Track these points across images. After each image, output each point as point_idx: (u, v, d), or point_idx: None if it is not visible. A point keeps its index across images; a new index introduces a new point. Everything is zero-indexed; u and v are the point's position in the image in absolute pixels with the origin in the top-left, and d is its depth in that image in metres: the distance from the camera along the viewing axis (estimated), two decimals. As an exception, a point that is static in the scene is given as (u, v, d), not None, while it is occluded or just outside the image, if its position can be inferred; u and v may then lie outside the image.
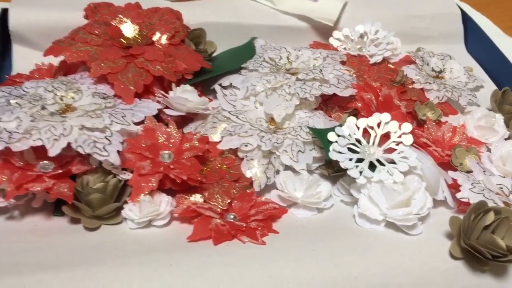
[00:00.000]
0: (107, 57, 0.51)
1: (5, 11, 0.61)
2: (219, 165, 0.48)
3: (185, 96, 0.50)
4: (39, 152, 0.44)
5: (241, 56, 0.59)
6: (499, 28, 0.73)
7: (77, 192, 0.43)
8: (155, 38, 0.56)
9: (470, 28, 0.72)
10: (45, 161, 0.44)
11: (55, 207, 0.44)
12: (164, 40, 0.56)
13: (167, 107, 0.51)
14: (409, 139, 0.48)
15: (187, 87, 0.52)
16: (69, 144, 0.43)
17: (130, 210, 0.43)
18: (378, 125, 0.49)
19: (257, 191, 0.47)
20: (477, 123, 0.56)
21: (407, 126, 0.49)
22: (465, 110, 0.60)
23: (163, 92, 0.52)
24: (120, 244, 0.41)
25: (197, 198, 0.46)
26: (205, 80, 0.56)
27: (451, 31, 0.72)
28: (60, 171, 0.43)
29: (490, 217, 0.41)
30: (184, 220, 0.44)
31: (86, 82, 0.51)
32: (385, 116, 0.49)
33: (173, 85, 0.52)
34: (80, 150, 0.43)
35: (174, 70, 0.53)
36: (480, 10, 0.76)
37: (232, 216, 0.45)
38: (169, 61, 0.53)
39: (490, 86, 0.65)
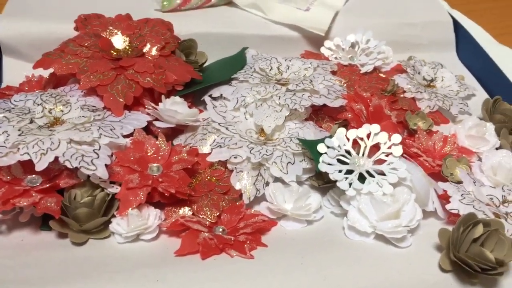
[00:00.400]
0: (97, 69, 0.51)
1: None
2: (208, 177, 0.48)
3: (174, 108, 0.50)
4: (27, 166, 0.43)
5: (232, 67, 0.59)
6: (491, 36, 0.73)
7: (64, 206, 0.43)
8: (145, 49, 0.55)
9: (461, 36, 0.72)
10: (32, 175, 0.44)
11: (43, 221, 0.44)
12: (154, 51, 0.55)
13: (156, 119, 0.51)
14: (398, 150, 0.48)
15: (177, 98, 0.52)
16: (56, 158, 0.43)
17: (118, 224, 0.43)
18: (368, 136, 0.49)
19: (246, 203, 0.47)
20: (468, 133, 0.56)
21: (397, 137, 0.48)
22: (456, 119, 0.60)
23: (153, 104, 0.51)
24: (108, 259, 0.41)
25: (186, 211, 0.45)
26: (196, 91, 0.56)
27: (442, 39, 0.72)
28: (47, 185, 0.43)
29: (479, 229, 0.41)
30: (172, 233, 0.44)
31: (75, 94, 0.51)
32: (375, 127, 0.49)
33: (163, 97, 0.52)
34: (67, 164, 0.43)
35: (164, 81, 0.53)
36: (472, 17, 0.76)
37: (220, 229, 0.44)
38: (159, 73, 0.53)
39: (481, 95, 0.65)
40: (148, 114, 0.51)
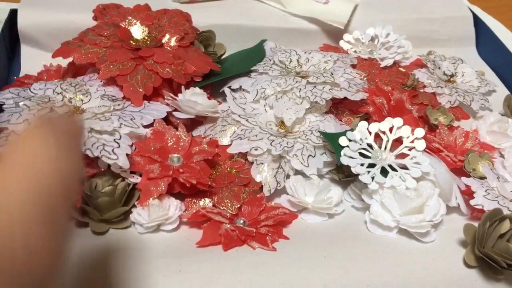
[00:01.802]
0: (116, 59, 0.50)
1: (14, 11, 0.60)
2: (228, 169, 0.48)
3: (194, 99, 0.50)
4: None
5: (251, 59, 0.59)
6: (510, 32, 0.72)
7: (85, 195, 0.42)
8: (164, 40, 0.55)
9: (481, 32, 0.71)
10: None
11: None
12: (173, 42, 0.55)
13: (176, 110, 0.51)
14: (421, 145, 0.47)
15: (197, 89, 0.51)
16: (77, 147, 0.43)
17: (138, 214, 0.43)
18: (390, 130, 0.48)
19: (267, 195, 0.46)
20: (490, 128, 0.55)
21: (420, 131, 0.48)
22: (477, 114, 0.59)
23: (172, 95, 0.51)
24: (129, 249, 0.40)
25: (206, 202, 0.45)
26: (214, 82, 0.55)
27: (462, 34, 0.71)
28: (68, 174, 0.43)
29: (506, 225, 0.40)
30: (193, 224, 0.44)
31: (94, 84, 0.51)
32: (398, 121, 0.49)
33: (183, 87, 0.51)
34: (88, 153, 0.43)
35: (183, 72, 0.52)
36: (490, 13, 0.75)
37: (241, 221, 0.44)
38: (178, 64, 0.52)
39: (502, 91, 0.64)
40: (168, 105, 0.51)
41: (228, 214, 0.44)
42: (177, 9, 0.59)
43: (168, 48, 0.54)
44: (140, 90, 0.50)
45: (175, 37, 0.55)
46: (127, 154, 0.44)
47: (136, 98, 0.50)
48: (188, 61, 0.53)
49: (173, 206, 0.43)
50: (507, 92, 0.63)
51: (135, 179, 0.44)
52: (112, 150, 0.43)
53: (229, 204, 0.45)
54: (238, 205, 0.45)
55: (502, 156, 0.53)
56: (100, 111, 0.47)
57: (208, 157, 0.46)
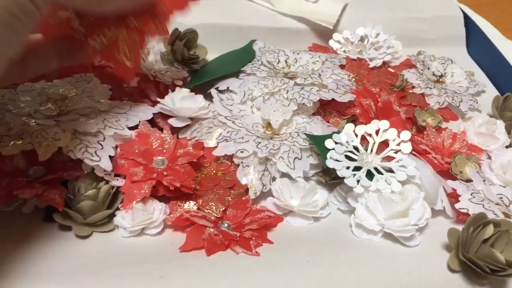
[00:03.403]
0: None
1: None
2: (214, 171, 0.48)
3: (187, 106, 0.50)
4: (30, 156, 0.43)
5: (241, 59, 0.58)
6: (498, 31, 0.72)
7: (68, 198, 0.42)
8: None
9: (472, 31, 0.71)
10: (35, 166, 0.43)
11: (46, 214, 0.43)
12: None
13: (161, 113, 0.50)
14: (407, 148, 0.47)
15: (185, 92, 0.51)
16: (60, 149, 0.42)
17: (122, 218, 0.42)
18: (377, 132, 0.48)
19: (252, 198, 0.46)
20: (478, 130, 0.55)
21: (406, 134, 0.48)
22: (466, 115, 0.59)
23: (163, 101, 0.50)
24: (112, 254, 0.40)
25: (191, 205, 0.45)
26: (203, 83, 0.55)
27: (452, 34, 0.71)
28: (50, 177, 0.42)
29: (490, 230, 0.40)
30: (177, 228, 0.43)
31: (81, 85, 0.50)
32: (384, 124, 0.48)
33: (170, 90, 0.51)
34: (71, 155, 0.42)
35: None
36: (479, 12, 0.75)
37: (226, 225, 0.44)
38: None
39: (491, 91, 0.64)
40: (153, 105, 0.51)
41: (212, 218, 0.44)
42: None
43: None
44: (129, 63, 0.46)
45: None
46: (111, 156, 0.43)
47: (128, 74, 0.47)
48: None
49: (157, 210, 0.43)
50: (496, 93, 0.63)
51: (119, 182, 0.44)
52: (95, 152, 0.43)
53: (214, 207, 0.45)
54: (223, 208, 0.45)
55: (489, 157, 0.53)
56: (85, 112, 0.46)
57: (193, 160, 0.46)
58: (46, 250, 0.40)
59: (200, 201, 0.45)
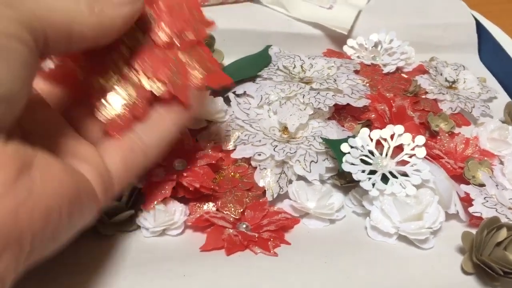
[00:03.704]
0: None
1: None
2: (232, 174, 0.49)
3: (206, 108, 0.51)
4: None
5: (257, 64, 0.59)
6: (510, 38, 0.73)
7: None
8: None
9: (484, 38, 0.72)
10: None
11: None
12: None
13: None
14: (422, 152, 0.48)
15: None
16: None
17: (144, 219, 0.44)
18: (392, 137, 0.49)
19: (269, 200, 0.47)
20: (490, 135, 0.56)
21: (421, 139, 0.49)
22: (478, 121, 0.60)
23: None
24: (134, 253, 0.42)
25: (210, 206, 0.46)
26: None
27: (465, 41, 0.71)
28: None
29: (503, 233, 0.41)
30: (197, 229, 0.45)
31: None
32: (399, 128, 0.49)
33: None
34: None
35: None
36: (490, 18, 0.76)
37: (244, 226, 0.45)
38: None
39: (503, 97, 0.64)
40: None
41: (231, 219, 0.45)
42: None
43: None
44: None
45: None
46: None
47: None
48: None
49: (178, 211, 0.44)
50: (508, 99, 0.64)
51: (141, 183, 0.45)
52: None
53: (233, 209, 0.46)
54: (241, 210, 0.46)
55: (502, 163, 0.54)
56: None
57: (211, 162, 0.47)
58: (69, 249, 0.41)
59: (219, 203, 0.46)
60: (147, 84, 0.38)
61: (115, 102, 0.38)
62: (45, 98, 0.36)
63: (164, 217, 0.43)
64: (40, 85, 0.37)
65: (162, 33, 0.39)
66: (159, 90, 0.38)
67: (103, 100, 0.38)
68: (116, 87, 0.38)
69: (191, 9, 0.41)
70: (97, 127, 0.38)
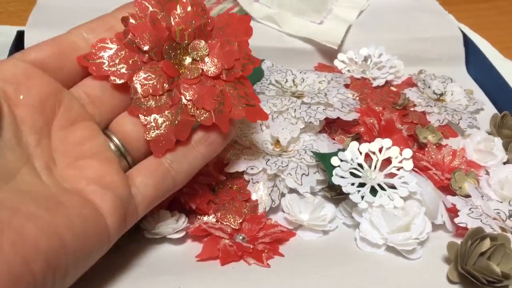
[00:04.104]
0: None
1: (21, 34, 0.62)
2: (229, 185, 0.50)
3: None
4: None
5: (250, 78, 0.60)
6: (497, 51, 0.75)
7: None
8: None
9: (471, 50, 0.74)
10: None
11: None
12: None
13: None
14: (409, 165, 0.50)
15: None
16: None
17: (147, 221, 0.45)
18: (380, 150, 0.51)
19: (260, 213, 0.49)
20: (476, 147, 0.58)
21: (408, 152, 0.50)
22: (465, 132, 0.62)
23: None
24: (133, 263, 0.43)
25: (209, 218, 0.48)
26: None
27: (452, 54, 0.73)
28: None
29: (486, 244, 0.43)
30: (195, 238, 0.46)
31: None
32: (387, 142, 0.51)
33: None
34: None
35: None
36: (477, 31, 0.78)
37: (241, 237, 0.46)
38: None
39: (490, 109, 0.66)
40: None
41: (229, 230, 0.47)
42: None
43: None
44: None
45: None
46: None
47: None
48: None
49: (181, 219, 0.46)
50: (495, 111, 0.66)
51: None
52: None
53: (232, 220, 0.47)
54: (241, 220, 0.47)
55: (488, 174, 0.56)
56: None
57: (211, 182, 0.49)
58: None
59: (219, 214, 0.48)
60: (192, 109, 0.41)
61: (161, 122, 0.41)
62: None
63: (167, 221, 0.45)
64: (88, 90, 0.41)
65: (212, 66, 0.43)
66: (202, 117, 0.41)
67: (150, 119, 0.40)
68: (163, 108, 0.41)
69: (241, 46, 0.44)
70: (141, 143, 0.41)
